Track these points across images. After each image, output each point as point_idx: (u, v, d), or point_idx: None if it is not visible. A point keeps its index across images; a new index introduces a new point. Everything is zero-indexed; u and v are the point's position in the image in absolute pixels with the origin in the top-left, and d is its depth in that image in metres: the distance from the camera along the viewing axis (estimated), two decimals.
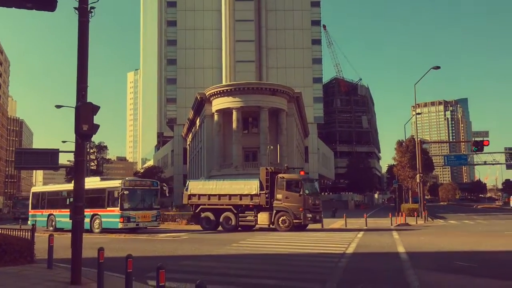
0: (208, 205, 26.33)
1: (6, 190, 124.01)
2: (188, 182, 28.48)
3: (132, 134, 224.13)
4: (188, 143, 79.77)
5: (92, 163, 61.66)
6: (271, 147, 47.49)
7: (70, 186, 29.52)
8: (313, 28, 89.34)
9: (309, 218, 24.19)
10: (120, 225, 23.63)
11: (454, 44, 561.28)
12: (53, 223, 28.24)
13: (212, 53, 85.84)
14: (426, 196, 59.85)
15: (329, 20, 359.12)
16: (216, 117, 53.69)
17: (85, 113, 8.50)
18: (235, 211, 25.47)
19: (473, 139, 43.39)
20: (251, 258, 13.73)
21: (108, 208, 24.64)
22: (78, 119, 8.47)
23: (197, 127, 64.29)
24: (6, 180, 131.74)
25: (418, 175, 37.61)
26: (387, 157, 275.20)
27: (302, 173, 41.24)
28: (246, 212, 25.42)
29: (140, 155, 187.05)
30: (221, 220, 25.75)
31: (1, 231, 12.92)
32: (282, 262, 12.79)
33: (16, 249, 11.19)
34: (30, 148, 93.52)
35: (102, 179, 28.64)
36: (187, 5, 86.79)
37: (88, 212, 24.74)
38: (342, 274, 10.29)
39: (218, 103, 53.35)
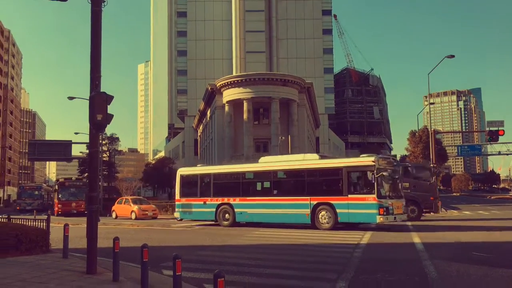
0: None
1: (20, 181, 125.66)
2: None
3: (143, 126, 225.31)
4: (199, 134, 79.91)
5: (105, 155, 62.10)
6: (283, 137, 47.32)
7: (256, 166, 22.95)
8: (324, 18, 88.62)
9: (439, 207, 23.45)
10: (379, 219, 17.52)
11: (467, 33, 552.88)
12: (228, 215, 21.97)
13: (222, 44, 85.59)
14: (439, 187, 59.31)
15: (340, 9, 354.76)
16: (227, 108, 53.60)
17: (99, 103, 8.45)
18: None
19: (487, 128, 42.64)
20: (265, 249, 13.70)
21: (350, 196, 18.38)
22: (92, 108, 8.43)
23: (208, 118, 64.30)
24: (20, 171, 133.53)
25: (431, 165, 37.19)
26: (398, 148, 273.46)
27: None
28: None
29: (151, 146, 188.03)
30: None
31: (17, 221, 13.03)
32: (296, 252, 12.75)
33: (31, 238, 11.26)
34: (43, 140, 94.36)
35: (321, 157, 21.71)
36: None
37: (304, 200, 19.48)
38: (358, 264, 10.19)
39: (229, 94, 53.19)
